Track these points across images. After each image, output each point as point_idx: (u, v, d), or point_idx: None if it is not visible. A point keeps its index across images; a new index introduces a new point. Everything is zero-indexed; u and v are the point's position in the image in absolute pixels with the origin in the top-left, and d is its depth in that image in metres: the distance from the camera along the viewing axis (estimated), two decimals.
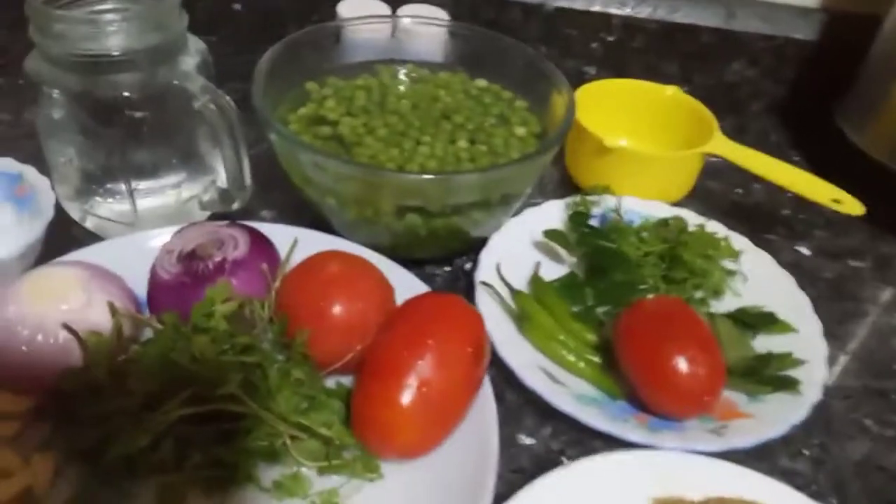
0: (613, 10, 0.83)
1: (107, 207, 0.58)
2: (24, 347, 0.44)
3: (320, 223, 0.59)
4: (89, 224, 0.60)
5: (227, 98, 0.53)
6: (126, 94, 0.51)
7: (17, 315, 0.44)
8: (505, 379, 0.51)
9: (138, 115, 0.53)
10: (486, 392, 0.46)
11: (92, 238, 0.59)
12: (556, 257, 0.62)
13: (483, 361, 0.46)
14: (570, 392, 0.50)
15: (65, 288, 0.46)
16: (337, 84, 0.65)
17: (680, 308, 0.52)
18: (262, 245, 0.52)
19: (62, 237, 0.58)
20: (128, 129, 0.53)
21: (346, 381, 0.48)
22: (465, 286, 0.61)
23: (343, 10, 0.76)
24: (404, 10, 0.76)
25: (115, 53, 0.50)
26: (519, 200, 0.61)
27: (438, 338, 0.44)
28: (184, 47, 0.54)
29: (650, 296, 0.57)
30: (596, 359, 0.53)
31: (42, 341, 0.44)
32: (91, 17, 0.50)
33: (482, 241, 0.59)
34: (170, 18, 0.52)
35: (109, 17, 0.50)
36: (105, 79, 0.51)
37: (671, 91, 0.74)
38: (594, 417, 0.47)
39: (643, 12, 0.83)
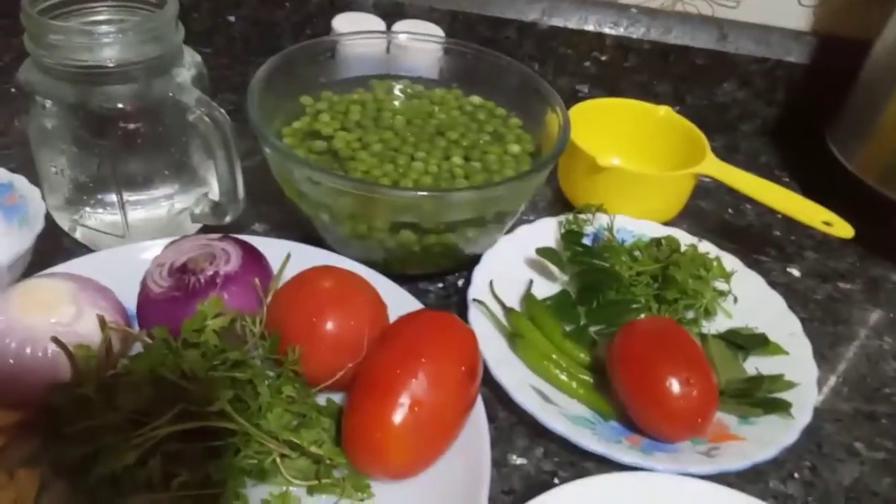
0: (607, 30, 0.84)
1: (97, 218, 0.57)
2: (11, 360, 0.43)
3: (313, 237, 0.58)
4: (79, 235, 0.59)
5: (222, 111, 0.52)
6: (120, 105, 0.50)
7: (5, 327, 0.43)
8: (497, 398, 0.51)
9: (132, 126, 0.52)
10: (479, 411, 0.46)
11: (81, 249, 0.59)
12: (548, 275, 0.62)
13: (476, 380, 0.45)
14: (563, 412, 0.49)
15: (55, 300, 0.45)
16: (331, 98, 0.65)
17: (673, 329, 0.52)
18: (254, 259, 0.51)
19: (51, 247, 0.57)
20: (121, 141, 0.52)
21: (337, 398, 0.48)
22: (457, 303, 0.60)
23: (338, 24, 0.76)
24: (400, 25, 0.76)
25: (111, 65, 0.49)
26: (512, 218, 0.61)
27: (431, 356, 0.44)
28: (179, 59, 0.54)
29: (643, 315, 0.57)
30: (588, 378, 0.53)
31: (30, 354, 0.43)
32: (87, 28, 0.49)
33: (475, 258, 0.59)
34: (166, 31, 0.51)
35: (105, 28, 0.49)
36: (99, 90, 0.50)
37: (663, 111, 0.74)
38: (586, 438, 0.47)
39: (636, 33, 0.84)
